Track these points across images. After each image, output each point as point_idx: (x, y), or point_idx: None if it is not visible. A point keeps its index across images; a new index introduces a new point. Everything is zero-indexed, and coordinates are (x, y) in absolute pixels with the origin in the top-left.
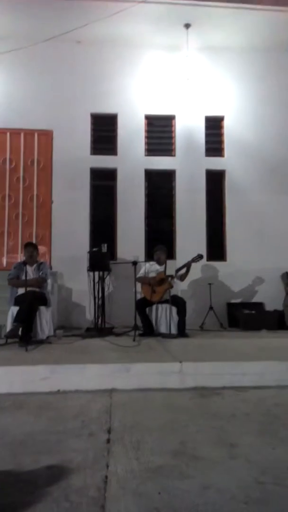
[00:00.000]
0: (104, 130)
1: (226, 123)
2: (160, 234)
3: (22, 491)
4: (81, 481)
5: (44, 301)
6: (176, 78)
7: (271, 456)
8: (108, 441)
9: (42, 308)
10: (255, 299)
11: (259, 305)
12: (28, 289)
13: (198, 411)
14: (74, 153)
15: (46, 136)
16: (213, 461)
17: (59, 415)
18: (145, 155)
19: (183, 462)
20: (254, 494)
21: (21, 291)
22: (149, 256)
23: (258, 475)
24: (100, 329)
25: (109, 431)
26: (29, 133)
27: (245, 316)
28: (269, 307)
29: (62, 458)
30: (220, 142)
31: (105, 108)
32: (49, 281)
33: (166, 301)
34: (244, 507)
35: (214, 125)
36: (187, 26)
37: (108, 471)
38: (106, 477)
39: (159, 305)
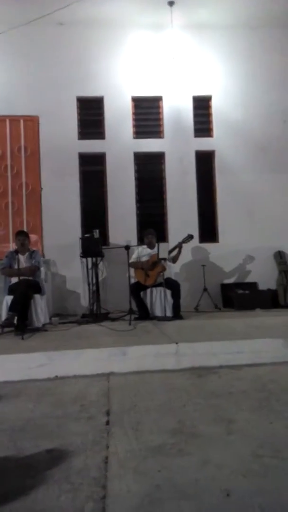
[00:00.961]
0: (91, 114)
1: (214, 103)
2: (151, 217)
3: (23, 475)
4: (81, 462)
5: (38, 289)
6: (162, 58)
7: (268, 430)
8: (108, 423)
9: (37, 296)
10: (249, 279)
11: (253, 285)
12: (21, 278)
13: (195, 390)
14: (61, 139)
15: (32, 122)
16: (211, 438)
17: (58, 400)
18: (134, 138)
19: (182, 440)
20: (253, 467)
21: (14, 280)
22: (141, 240)
23: (256, 449)
24: (95, 315)
25: (108, 414)
26: (14, 119)
27: (239, 296)
28: (262, 286)
29: (62, 442)
30: (209, 122)
31: (91, 91)
32: (42, 269)
33: (160, 284)
34: (244, 480)
35: (202, 105)
36: (170, 3)
37: (108, 451)
38: (107, 457)
39: (153, 289)
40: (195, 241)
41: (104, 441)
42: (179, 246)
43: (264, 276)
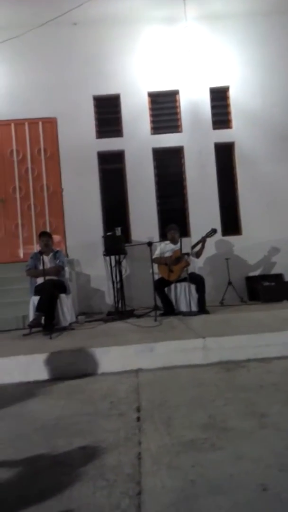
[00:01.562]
0: (108, 112)
1: (231, 93)
2: (172, 213)
3: (58, 473)
4: (115, 459)
5: (64, 289)
6: (177, 52)
7: None
8: (138, 419)
9: (62, 295)
10: (274, 271)
11: (279, 277)
12: (47, 278)
13: (225, 384)
14: (80, 139)
15: (50, 124)
16: (243, 432)
17: (88, 397)
18: (151, 134)
19: (214, 435)
20: None
21: (40, 280)
22: (163, 236)
23: None
24: (121, 312)
25: (138, 410)
26: (33, 122)
27: (265, 288)
28: None
29: (95, 439)
30: (227, 113)
31: (107, 89)
32: (66, 268)
33: (184, 279)
34: (279, 474)
35: (219, 97)
36: None
37: (141, 448)
38: (140, 453)
39: (178, 284)
40: (218, 234)
41: (136, 438)
42: (202, 240)
43: None
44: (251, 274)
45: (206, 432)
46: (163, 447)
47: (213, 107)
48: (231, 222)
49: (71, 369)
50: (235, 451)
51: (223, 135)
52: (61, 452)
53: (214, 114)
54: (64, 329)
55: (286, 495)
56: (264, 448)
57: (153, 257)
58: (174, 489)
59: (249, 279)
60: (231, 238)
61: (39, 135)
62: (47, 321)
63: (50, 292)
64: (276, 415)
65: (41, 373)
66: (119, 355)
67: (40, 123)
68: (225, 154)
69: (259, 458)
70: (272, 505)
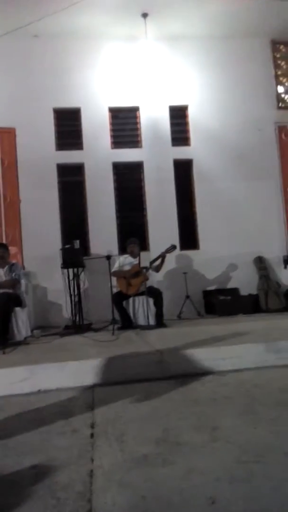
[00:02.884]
0: (68, 125)
1: (190, 112)
2: (132, 227)
3: (6, 493)
4: (66, 477)
5: (19, 302)
6: (137, 69)
7: (252, 435)
8: (92, 435)
9: (17, 309)
10: (230, 285)
11: (234, 291)
12: (1, 291)
13: (179, 398)
14: (39, 150)
15: (8, 134)
16: (195, 446)
17: (41, 414)
18: (112, 148)
19: (166, 450)
20: (237, 473)
21: None
22: (122, 250)
23: (240, 455)
24: (78, 326)
25: (92, 426)
26: None
27: (221, 302)
28: (244, 291)
29: (46, 457)
30: (186, 131)
31: (67, 102)
32: (22, 281)
33: (142, 293)
34: (229, 487)
35: (178, 115)
36: (144, 15)
37: (93, 465)
38: (92, 471)
39: (136, 298)
40: (177, 249)
41: (88, 454)
42: (162, 256)
43: (245, 281)
44: (208, 288)
45: (159, 447)
46: (115, 464)
47: (172, 124)
48: (189, 237)
49: (24, 384)
50: (186, 465)
51: (181, 152)
52: (10, 471)
53: (173, 132)
54: (19, 343)
55: (235, 508)
56: (214, 461)
57: (112, 270)
58: (125, 505)
59: (206, 293)
60: (189, 253)
61: None
62: (1, 335)
63: (5, 305)
64: (227, 428)
65: None
66: (75, 370)
67: None
68: (183, 171)
69: (209, 472)
70: None
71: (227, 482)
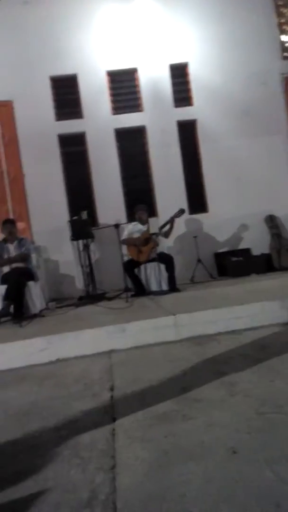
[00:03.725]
0: (66, 93)
1: (191, 70)
2: (138, 193)
3: (32, 455)
4: (89, 437)
5: (31, 276)
6: (134, 29)
7: (270, 388)
8: (112, 397)
9: (31, 283)
10: (242, 246)
11: (246, 251)
12: (13, 266)
13: (196, 358)
14: (38, 122)
15: (6, 108)
16: (214, 401)
17: (61, 381)
18: (112, 114)
19: (186, 406)
20: (256, 424)
21: (6, 269)
22: (130, 217)
23: (258, 407)
24: (92, 296)
25: (111, 389)
26: None
27: (233, 263)
28: (256, 251)
29: (69, 420)
30: (188, 90)
31: (64, 70)
32: (33, 255)
33: (153, 260)
34: (248, 437)
35: (179, 73)
36: None
37: (115, 424)
38: (113, 430)
39: (147, 264)
40: (186, 213)
41: (109, 415)
42: (171, 221)
43: (257, 241)
44: (220, 250)
45: (178, 404)
46: (136, 422)
47: (173, 84)
48: (197, 200)
49: (43, 354)
50: (206, 420)
51: (185, 113)
52: (35, 435)
53: (174, 92)
54: (35, 316)
55: (256, 456)
56: (233, 414)
57: (122, 238)
58: (147, 460)
59: (217, 256)
60: (198, 216)
61: None
62: (16, 309)
63: (17, 280)
64: (245, 383)
65: (14, 361)
66: (91, 338)
67: None
68: (188, 132)
69: (229, 424)
70: (241, 466)
71: (246, 433)
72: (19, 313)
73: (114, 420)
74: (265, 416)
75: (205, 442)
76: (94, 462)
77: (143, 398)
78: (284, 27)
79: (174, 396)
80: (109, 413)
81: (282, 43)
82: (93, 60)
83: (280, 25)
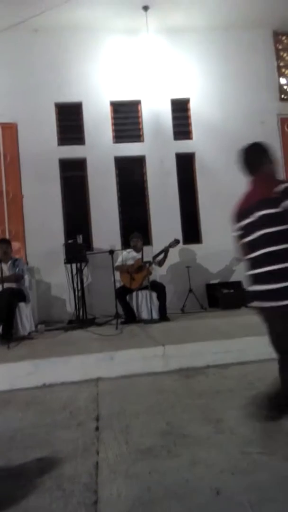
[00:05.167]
0: (70, 120)
1: (192, 105)
2: (134, 221)
3: (13, 485)
4: (72, 469)
5: (23, 297)
6: (138, 62)
7: (255, 427)
8: (97, 428)
9: (21, 304)
10: (233, 278)
11: (237, 284)
12: (5, 286)
13: (184, 391)
14: (41, 145)
15: (10, 129)
16: (200, 438)
17: (47, 408)
18: (114, 143)
19: (171, 442)
20: (241, 465)
21: None
22: (125, 244)
23: (244, 446)
24: (82, 320)
25: (97, 419)
26: None
27: (224, 295)
28: (247, 285)
29: (52, 450)
30: (188, 124)
31: (69, 97)
32: (26, 276)
33: (145, 288)
34: (233, 478)
35: (180, 108)
36: (145, 8)
37: (99, 457)
38: (97, 463)
39: (139, 292)
40: (180, 242)
41: (94, 447)
42: (165, 250)
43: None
44: (212, 281)
45: (164, 439)
46: (120, 456)
47: (174, 118)
48: (192, 231)
49: (30, 379)
50: (191, 457)
51: (183, 146)
52: (17, 464)
53: (175, 125)
54: (23, 338)
55: (239, 498)
56: (219, 453)
57: (116, 264)
58: (130, 496)
59: (209, 287)
60: (192, 246)
61: None
62: (5, 330)
63: (9, 300)
64: (231, 420)
65: None
66: (79, 364)
67: (0, 128)
68: (186, 164)
69: (214, 463)
70: (225, 507)
71: (231, 474)
72: (8, 334)
73: (98, 452)
74: (250, 457)
75: (189, 481)
76: (77, 496)
77: (128, 431)
78: (283, 70)
79: (159, 431)
80: (94, 444)
81: (280, 85)
82: (98, 89)
83: (279, 68)
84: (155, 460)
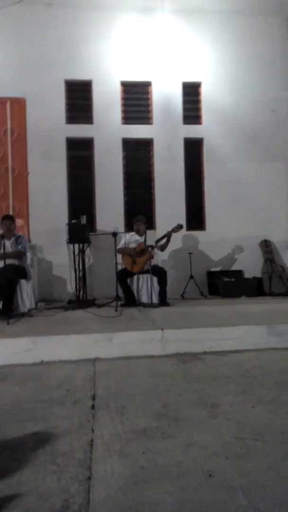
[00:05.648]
0: (79, 98)
1: (203, 90)
2: (139, 204)
3: (8, 457)
4: (67, 445)
5: (24, 274)
6: (152, 43)
7: (250, 413)
8: (93, 407)
9: (23, 281)
10: (235, 267)
11: (239, 273)
12: (7, 262)
13: (180, 375)
14: (48, 122)
15: (19, 105)
16: (194, 421)
17: (43, 384)
18: (122, 124)
19: (166, 423)
20: (234, 449)
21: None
22: (128, 227)
23: (238, 432)
24: (82, 301)
25: (93, 398)
26: (0, 101)
27: (225, 283)
28: (248, 274)
29: (48, 425)
30: (198, 109)
31: (79, 75)
32: (28, 254)
33: (147, 272)
34: (226, 461)
35: (191, 92)
36: None
37: (94, 434)
38: (92, 440)
39: (140, 276)
40: (183, 229)
41: (89, 425)
42: (168, 235)
43: (250, 264)
44: (213, 269)
45: (159, 421)
46: (115, 435)
47: (184, 101)
48: (196, 217)
49: (27, 355)
50: (185, 440)
51: (192, 131)
52: (13, 437)
53: (185, 109)
54: (23, 315)
55: (231, 482)
56: (213, 436)
57: (118, 247)
58: (123, 474)
59: (210, 274)
60: (195, 233)
61: (7, 115)
62: (6, 306)
63: (10, 276)
64: (227, 405)
65: None
66: (77, 343)
67: (8, 103)
68: (193, 150)
69: (207, 447)
70: (216, 491)
71: (224, 457)
72: (8, 310)
73: (93, 430)
74: (244, 442)
75: (182, 463)
76: (70, 471)
77: (124, 411)
78: None
79: (155, 412)
80: (89, 422)
81: None
82: (109, 68)
83: None
84: (149, 440)
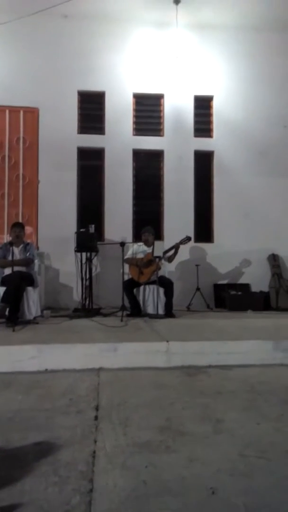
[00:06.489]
0: (91, 109)
1: (215, 103)
2: (147, 215)
3: (10, 466)
4: (69, 456)
5: (31, 282)
6: (165, 56)
7: (255, 430)
8: (96, 418)
9: (29, 288)
10: (242, 280)
11: (246, 286)
12: (15, 269)
13: (184, 389)
14: (60, 132)
15: (32, 114)
16: (198, 436)
17: (47, 393)
18: (133, 135)
19: (169, 437)
20: (239, 467)
21: (7, 271)
22: (136, 237)
23: (242, 449)
24: (87, 309)
25: (97, 408)
26: (14, 110)
27: (232, 297)
28: (255, 288)
29: (51, 435)
30: (209, 122)
31: (92, 86)
32: (36, 261)
33: (153, 282)
34: (229, 479)
35: (203, 105)
36: (176, 1)
37: (96, 446)
38: (94, 452)
39: (147, 286)
40: (191, 241)
41: (92, 436)
42: (176, 247)
43: (257, 278)
44: (220, 282)
45: (162, 435)
46: (118, 447)
47: (196, 114)
48: (204, 229)
49: (32, 363)
50: (188, 455)
51: (203, 143)
52: (15, 446)
53: (196, 122)
54: (28, 322)
55: (234, 500)
56: (217, 452)
57: (125, 257)
58: (125, 488)
59: (217, 287)
60: (203, 245)
61: (20, 124)
62: (12, 313)
63: (18, 283)
64: (231, 421)
65: (2, 365)
66: (82, 353)
67: (22, 112)
68: (204, 162)
69: (211, 463)
70: (220, 508)
71: (228, 474)
72: (14, 317)
73: (95, 442)
74: (248, 459)
75: (186, 478)
76: (72, 483)
77: (127, 423)
78: None
79: (158, 425)
80: (92, 433)
81: None
82: (122, 80)
83: None
84: (153, 454)
